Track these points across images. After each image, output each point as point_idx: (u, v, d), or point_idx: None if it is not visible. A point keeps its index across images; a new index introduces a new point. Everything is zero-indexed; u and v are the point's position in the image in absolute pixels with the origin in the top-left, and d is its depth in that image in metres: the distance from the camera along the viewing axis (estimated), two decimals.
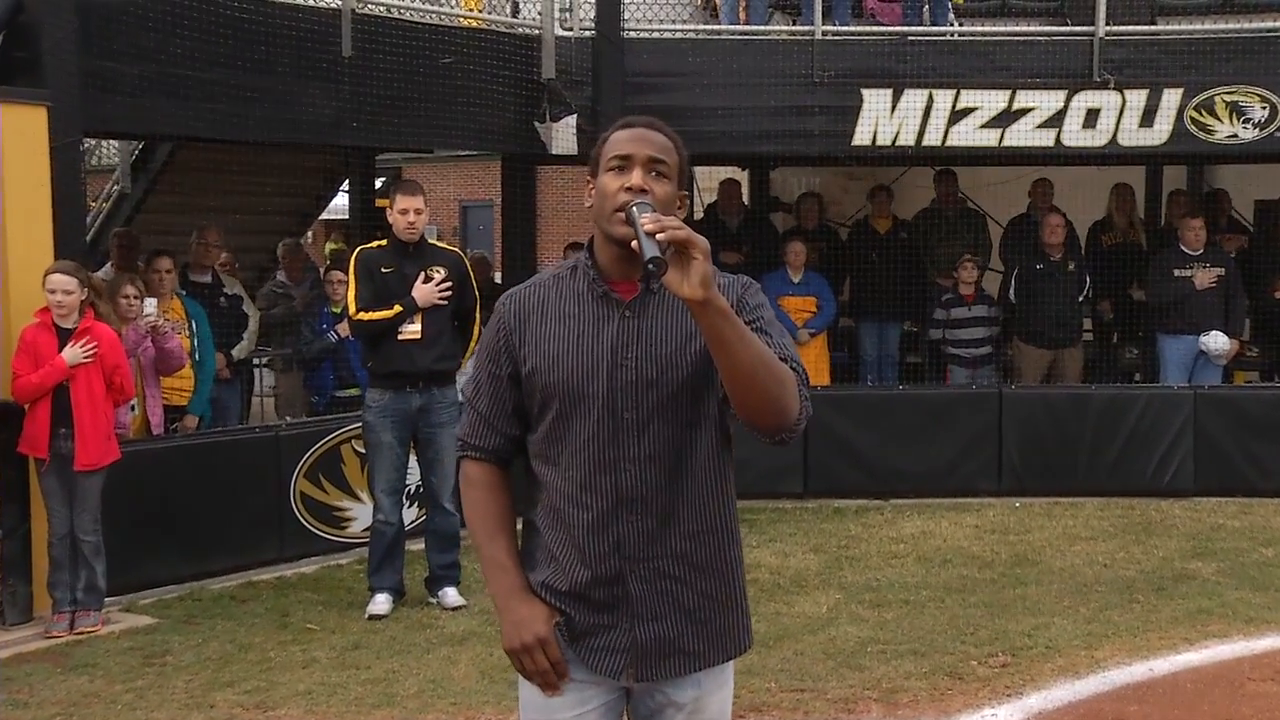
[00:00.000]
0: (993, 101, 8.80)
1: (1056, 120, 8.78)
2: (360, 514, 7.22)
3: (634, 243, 2.12)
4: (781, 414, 2.22)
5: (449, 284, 6.11)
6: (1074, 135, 8.80)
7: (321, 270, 9.48)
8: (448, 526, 6.31)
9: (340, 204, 12.10)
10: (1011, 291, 9.36)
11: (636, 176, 2.28)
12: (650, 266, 2.07)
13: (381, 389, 6.13)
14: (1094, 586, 6.49)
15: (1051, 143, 8.83)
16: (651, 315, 2.33)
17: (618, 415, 2.30)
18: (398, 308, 6.02)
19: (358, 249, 6.41)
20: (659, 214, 2.17)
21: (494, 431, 2.44)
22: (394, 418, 6.11)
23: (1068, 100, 8.76)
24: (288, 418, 8.07)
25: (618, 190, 2.29)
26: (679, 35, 9.23)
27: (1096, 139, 8.80)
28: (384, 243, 6.29)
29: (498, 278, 10.81)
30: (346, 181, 10.56)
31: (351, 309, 6.11)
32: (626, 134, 2.34)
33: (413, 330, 6.06)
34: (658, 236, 2.08)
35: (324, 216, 13.31)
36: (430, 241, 6.37)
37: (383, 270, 6.09)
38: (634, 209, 2.20)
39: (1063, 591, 6.40)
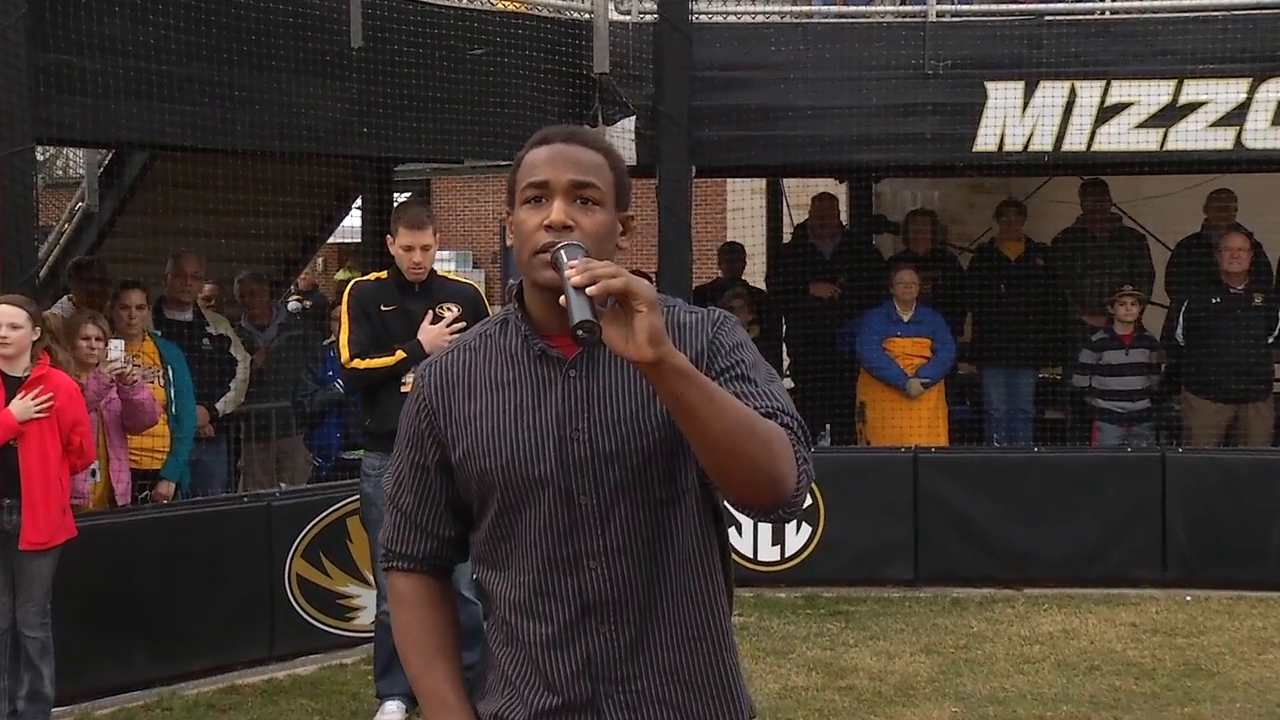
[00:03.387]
0: (1153, 95, 8.73)
1: (1237, 116, 8.69)
2: (370, 602, 7.22)
3: (561, 298, 2.09)
4: (774, 486, 2.17)
5: (462, 324, 6.12)
6: (1260, 135, 8.71)
7: (328, 304, 9.54)
8: (469, 618, 6.25)
9: (355, 225, 12.21)
10: (1179, 331, 9.24)
11: (556, 210, 2.25)
12: (579, 333, 2.04)
13: (382, 452, 6.12)
14: None
15: (1230, 144, 8.75)
16: (603, 373, 2.29)
17: (573, 501, 2.27)
18: (400, 353, 6.04)
19: (351, 283, 6.46)
20: (589, 259, 2.12)
21: (423, 534, 2.43)
22: None
23: (1251, 91, 8.67)
24: (283, 484, 8.12)
25: (536, 228, 2.26)
26: (759, 19, 9.26)
27: None
28: (383, 275, 6.34)
29: None
30: (360, 199, 10.64)
31: (344, 356, 6.13)
32: (543, 153, 2.31)
33: None
34: (588, 290, 2.04)
35: (334, 240, 13.45)
36: (440, 273, 6.42)
37: (382, 309, 6.14)
38: (560, 253, 2.17)
39: (1249, 712, 6.25)
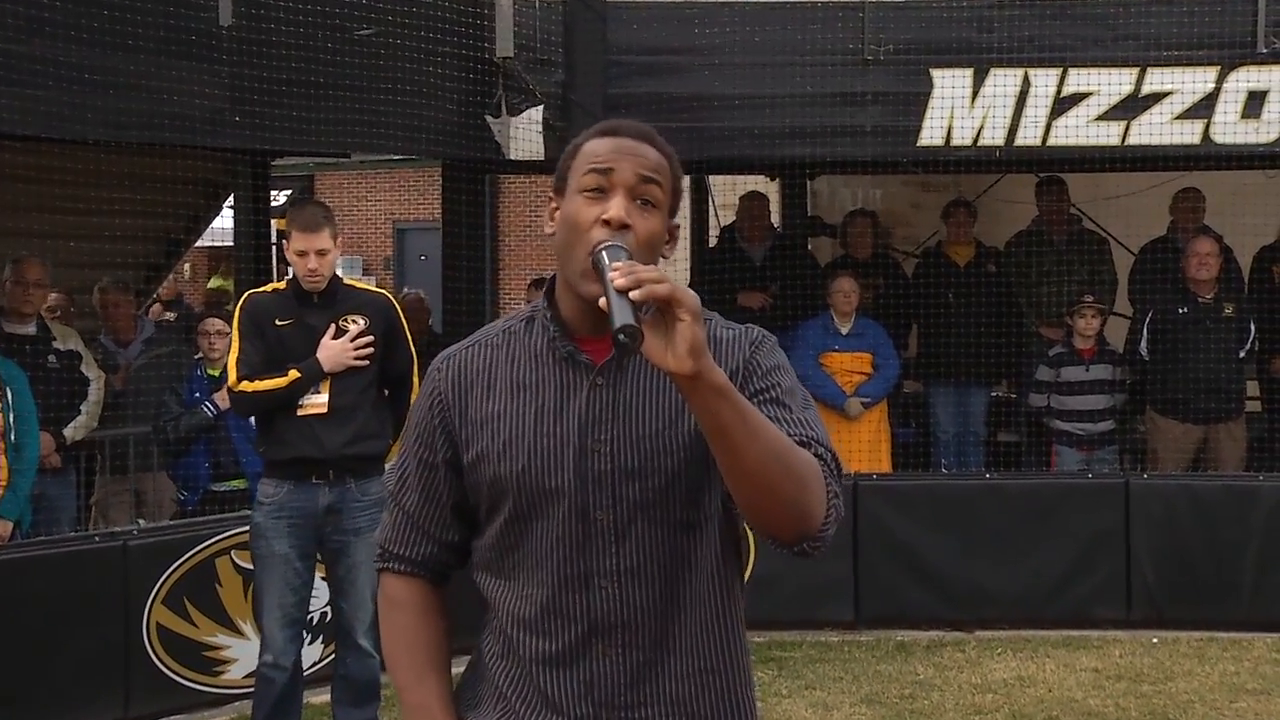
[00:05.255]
0: (1114, 83, 8.83)
1: (1205, 108, 8.80)
2: (242, 654, 7.20)
3: (601, 300, 2.19)
4: (801, 519, 2.27)
5: (370, 338, 6.11)
6: (1230, 128, 8.82)
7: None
8: (364, 672, 6.29)
9: (228, 227, 12.10)
10: (1144, 345, 9.35)
11: (616, 206, 2.34)
12: (621, 337, 2.12)
13: (278, 479, 6.12)
14: None
15: (1197, 139, 8.86)
16: (631, 383, 2.40)
17: (589, 516, 2.37)
18: (294, 373, 6.02)
19: (245, 295, 6.41)
20: (633, 261, 2.22)
21: (425, 537, 2.53)
22: (293, 518, 6.08)
23: (1220, 80, 8.78)
24: (141, 520, 8.00)
25: (592, 223, 2.35)
26: None
27: (1262, 133, 8.82)
28: (281, 285, 6.31)
29: (439, 325, 10.76)
30: (232, 197, 10.56)
31: (231, 377, 6.10)
32: (608, 144, 2.40)
33: (317, 403, 6.07)
34: (632, 294, 2.13)
35: (204, 243, 13.31)
36: (346, 281, 6.40)
37: (277, 323, 6.10)
38: (602, 254, 2.28)
39: None
